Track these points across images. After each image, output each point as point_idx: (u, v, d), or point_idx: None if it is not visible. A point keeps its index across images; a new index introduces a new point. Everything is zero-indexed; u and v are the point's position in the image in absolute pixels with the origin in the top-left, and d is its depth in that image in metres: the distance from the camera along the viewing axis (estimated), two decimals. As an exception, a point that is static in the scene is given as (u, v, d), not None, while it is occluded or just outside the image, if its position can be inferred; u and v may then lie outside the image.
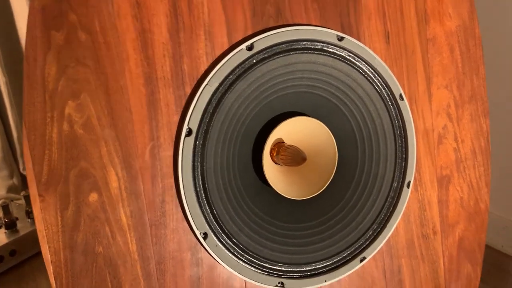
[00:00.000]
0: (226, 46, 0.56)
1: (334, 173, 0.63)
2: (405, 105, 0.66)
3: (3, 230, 1.30)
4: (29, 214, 1.36)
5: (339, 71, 0.62)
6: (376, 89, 0.64)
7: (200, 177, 0.55)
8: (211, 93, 0.55)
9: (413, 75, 0.68)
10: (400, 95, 0.65)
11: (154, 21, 0.52)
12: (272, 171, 0.63)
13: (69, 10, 0.49)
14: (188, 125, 0.54)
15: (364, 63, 0.63)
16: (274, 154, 0.64)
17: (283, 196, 0.61)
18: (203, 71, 0.55)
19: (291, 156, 0.63)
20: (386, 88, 0.65)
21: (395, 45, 0.66)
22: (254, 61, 0.57)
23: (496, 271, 1.19)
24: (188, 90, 0.55)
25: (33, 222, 1.33)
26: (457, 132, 0.71)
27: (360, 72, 0.63)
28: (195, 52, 0.55)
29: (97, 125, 0.51)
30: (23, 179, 1.69)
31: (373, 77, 0.64)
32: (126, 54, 0.51)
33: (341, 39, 0.61)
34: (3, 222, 1.30)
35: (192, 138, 0.54)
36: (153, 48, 0.52)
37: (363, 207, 0.66)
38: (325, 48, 0.61)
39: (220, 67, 0.55)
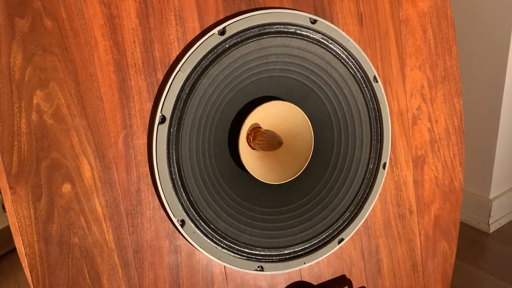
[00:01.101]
0: (198, 31, 0.55)
1: (311, 157, 0.64)
2: (379, 87, 0.66)
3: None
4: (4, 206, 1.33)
5: (313, 54, 0.62)
6: (350, 72, 0.64)
7: (175, 164, 0.55)
8: (183, 79, 0.54)
9: (387, 56, 0.68)
10: (374, 77, 0.66)
11: (122, 7, 0.51)
12: (249, 156, 0.63)
13: (32, -4, 0.47)
14: (161, 112, 0.53)
15: (337, 46, 0.63)
16: (251, 140, 0.64)
17: (261, 181, 0.61)
18: (175, 57, 0.54)
19: (267, 141, 0.63)
20: (360, 71, 0.65)
21: (368, 27, 0.66)
22: (227, 45, 0.56)
23: (472, 247, 1.22)
24: (160, 77, 0.54)
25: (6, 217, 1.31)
26: (431, 113, 0.72)
27: (334, 55, 0.63)
28: (166, 38, 0.54)
29: (67, 115, 0.50)
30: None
31: (347, 60, 0.64)
32: (95, 41, 0.50)
33: (314, 21, 0.61)
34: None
35: (166, 125, 0.54)
36: (123, 34, 0.51)
37: (340, 189, 0.67)
38: (298, 32, 0.60)
39: (192, 52, 0.54)
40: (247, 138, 0.64)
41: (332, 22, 0.63)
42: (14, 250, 1.32)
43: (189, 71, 0.54)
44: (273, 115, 0.63)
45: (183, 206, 0.56)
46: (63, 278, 0.51)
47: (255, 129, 0.64)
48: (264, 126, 0.64)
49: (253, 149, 0.65)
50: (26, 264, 0.49)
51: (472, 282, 1.07)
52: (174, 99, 0.54)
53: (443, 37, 0.72)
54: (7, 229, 1.28)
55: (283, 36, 0.59)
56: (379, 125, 0.67)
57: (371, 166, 0.68)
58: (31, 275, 0.50)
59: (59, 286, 0.51)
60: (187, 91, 0.54)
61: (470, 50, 1.21)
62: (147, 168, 0.54)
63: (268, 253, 0.62)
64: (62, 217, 0.50)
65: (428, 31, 0.70)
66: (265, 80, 0.62)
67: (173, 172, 0.55)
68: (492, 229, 1.26)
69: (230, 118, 0.62)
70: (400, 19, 0.68)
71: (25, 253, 0.49)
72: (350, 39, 0.63)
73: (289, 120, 0.64)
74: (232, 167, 0.63)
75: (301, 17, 0.60)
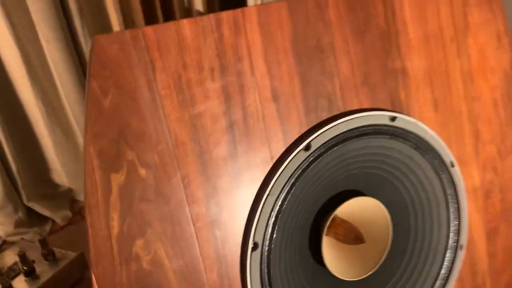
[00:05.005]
0: (282, 149, 0.53)
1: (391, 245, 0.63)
2: (456, 172, 0.65)
3: (22, 277, 1.27)
4: (46, 256, 1.33)
5: (391, 149, 0.60)
6: (427, 160, 0.63)
7: (267, 284, 0.54)
8: (272, 203, 0.52)
9: (460, 136, 0.66)
10: (451, 162, 0.64)
11: (211, 141, 0.49)
12: (329, 252, 0.62)
13: (126, 149, 0.45)
14: (254, 239, 0.52)
15: (414, 136, 0.61)
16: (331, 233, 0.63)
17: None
18: (262, 179, 0.53)
19: (345, 234, 0.62)
20: (437, 158, 0.63)
21: (443, 111, 0.64)
22: (311, 159, 0.54)
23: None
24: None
25: (50, 265, 1.30)
26: (502, 183, 0.71)
27: (411, 147, 0.61)
28: (253, 161, 0.52)
29: (165, 258, 0.48)
30: (28, 211, 1.64)
31: (423, 149, 0.62)
32: (188, 181, 0.48)
33: (393, 119, 0.59)
34: (22, 269, 1.27)
35: (258, 252, 0.52)
36: (212, 169, 0.49)
37: (419, 275, 0.66)
38: (378, 131, 0.58)
39: (280, 173, 0.52)
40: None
41: (408, 113, 0.61)
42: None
43: (277, 193, 0.53)
44: (352, 209, 0.62)
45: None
46: None
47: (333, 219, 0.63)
48: (341, 216, 0.63)
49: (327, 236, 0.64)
50: None
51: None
52: (265, 224, 0.52)
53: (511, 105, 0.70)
54: (50, 280, 1.28)
55: (363, 139, 0.58)
56: (457, 208, 0.66)
57: (449, 250, 0.67)
58: None
59: None
60: (275, 213, 0.53)
61: None
62: (241, 292, 0.54)
63: None
64: None
65: (499, 103, 0.68)
66: (342, 177, 0.61)
67: (266, 292, 0.54)
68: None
69: (310, 220, 0.60)
70: (472, 96, 0.66)
71: None
72: (428, 129, 0.61)
73: (366, 210, 0.63)
74: (314, 267, 0.62)
75: (381, 117, 0.58)
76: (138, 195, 0.46)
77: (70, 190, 1.79)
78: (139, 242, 0.47)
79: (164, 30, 0.45)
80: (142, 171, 0.46)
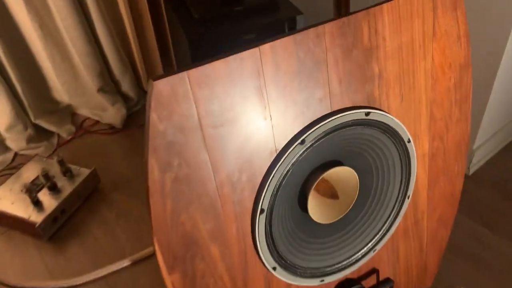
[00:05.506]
0: (284, 143, 0.72)
1: (357, 195, 0.85)
2: (411, 147, 0.85)
3: (46, 191, 1.48)
4: (65, 173, 1.53)
5: (364, 133, 0.79)
6: (390, 140, 0.83)
7: (271, 239, 0.77)
8: (275, 181, 0.72)
9: (418, 118, 0.85)
10: (408, 139, 0.84)
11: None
12: (311, 203, 0.84)
13: (175, 157, 0.63)
14: (261, 206, 0.73)
15: (383, 124, 0.80)
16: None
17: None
18: (268, 166, 0.72)
19: (325, 192, 0.85)
20: (398, 137, 0.83)
21: (406, 101, 0.82)
22: (305, 149, 0.73)
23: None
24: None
25: (69, 180, 1.51)
26: (446, 148, 0.92)
27: (379, 131, 0.80)
28: (262, 153, 0.70)
29: (200, 223, 0.69)
30: (36, 128, 1.80)
31: (389, 132, 0.81)
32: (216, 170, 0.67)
33: (367, 114, 0.77)
34: (45, 185, 1.47)
35: (264, 215, 0.74)
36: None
37: (376, 217, 0.90)
38: (355, 123, 0.77)
39: (282, 162, 0.71)
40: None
41: (380, 107, 0.79)
42: (76, 210, 1.55)
43: (279, 176, 0.72)
44: (332, 173, 0.83)
45: (273, 257, 0.79)
46: (204, 317, 0.77)
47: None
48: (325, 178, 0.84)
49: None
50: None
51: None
52: (269, 195, 0.73)
53: (462, 87, 0.88)
54: (72, 193, 1.50)
55: (345, 130, 0.76)
56: (408, 171, 0.88)
57: (400, 198, 0.90)
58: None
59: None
60: (277, 188, 0.73)
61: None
62: (251, 240, 0.76)
63: (327, 269, 0.89)
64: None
65: (451, 89, 0.86)
66: (327, 154, 0.80)
67: (268, 239, 0.77)
68: (472, 171, 1.55)
69: (301, 183, 0.81)
70: (431, 87, 0.83)
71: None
72: (394, 118, 0.79)
73: (342, 175, 0.84)
74: (301, 216, 0.85)
75: (359, 114, 0.76)
76: (183, 185, 0.65)
77: (69, 106, 1.93)
78: (184, 214, 0.67)
79: (202, 72, 0.60)
80: (186, 170, 0.64)
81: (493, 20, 1.29)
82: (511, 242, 1.34)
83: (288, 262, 0.82)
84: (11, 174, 1.59)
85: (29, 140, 1.73)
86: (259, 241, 0.76)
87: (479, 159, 1.53)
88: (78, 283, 1.30)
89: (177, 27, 1.53)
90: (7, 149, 1.74)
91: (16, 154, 1.77)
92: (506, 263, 1.28)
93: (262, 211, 0.74)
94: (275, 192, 0.74)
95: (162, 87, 0.58)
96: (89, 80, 1.80)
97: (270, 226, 0.76)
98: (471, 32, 1.36)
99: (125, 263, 1.34)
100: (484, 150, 1.54)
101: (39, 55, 1.70)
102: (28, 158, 1.66)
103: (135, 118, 1.98)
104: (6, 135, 1.71)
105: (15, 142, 1.72)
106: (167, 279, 0.72)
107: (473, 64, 1.36)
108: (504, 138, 1.62)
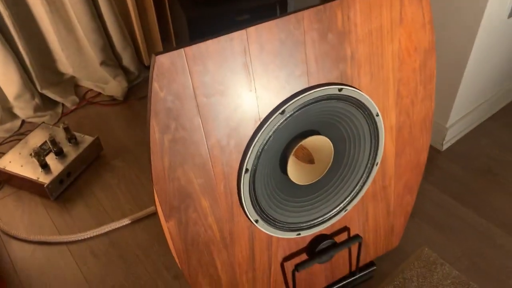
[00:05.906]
0: (267, 112, 0.84)
1: (332, 162, 0.98)
2: (379, 120, 0.97)
3: (53, 156, 1.60)
4: (70, 140, 1.65)
5: (337, 107, 0.92)
6: (361, 113, 0.95)
7: (254, 195, 0.90)
8: (259, 145, 0.85)
9: (386, 95, 0.97)
10: (377, 113, 0.96)
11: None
12: (291, 167, 0.97)
13: (172, 121, 0.75)
14: (246, 166, 0.85)
15: (354, 99, 0.92)
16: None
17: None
18: (253, 131, 0.84)
19: (303, 157, 0.97)
20: (368, 111, 0.95)
21: (375, 79, 0.94)
22: (285, 119, 0.85)
23: (426, 164, 1.64)
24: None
25: (73, 147, 1.63)
26: (411, 122, 1.05)
27: (351, 105, 0.92)
28: (247, 121, 0.83)
29: (193, 178, 0.82)
30: (42, 98, 1.91)
31: (359, 106, 0.93)
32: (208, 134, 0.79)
33: (340, 89, 0.89)
34: (52, 150, 1.60)
35: (248, 174, 0.87)
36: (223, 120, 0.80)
37: (348, 179, 1.03)
38: (330, 98, 0.89)
39: (264, 129, 0.83)
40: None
41: (352, 84, 0.91)
42: (81, 172, 1.68)
43: (262, 140, 0.85)
44: (310, 141, 0.96)
45: (256, 211, 0.93)
46: (194, 260, 0.90)
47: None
48: (303, 145, 0.97)
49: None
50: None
51: (419, 194, 1.51)
52: (253, 157, 0.85)
53: (426, 69, 1.00)
54: (77, 158, 1.62)
55: (320, 103, 0.88)
56: (377, 140, 1.00)
57: (369, 164, 1.03)
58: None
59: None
60: (260, 151, 0.86)
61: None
62: (236, 196, 0.89)
63: (304, 224, 1.02)
64: (192, 226, 0.87)
65: (417, 69, 0.98)
66: (305, 124, 0.93)
67: (252, 198, 0.90)
68: (445, 147, 1.68)
69: (281, 150, 0.94)
70: (398, 67, 0.95)
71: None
72: (364, 94, 0.92)
73: (318, 143, 0.97)
74: (281, 177, 0.98)
75: (333, 89, 0.88)
76: (179, 145, 0.77)
77: (73, 78, 2.03)
78: (179, 170, 0.80)
79: (197, 49, 0.71)
80: (182, 132, 0.77)
81: (466, 6, 1.39)
82: (477, 214, 1.47)
83: (269, 216, 0.95)
84: (19, 140, 1.71)
85: (36, 109, 1.85)
86: (243, 197, 0.89)
87: (451, 137, 1.66)
88: (82, 237, 1.44)
89: (177, 7, 1.63)
90: (15, 116, 1.86)
91: (23, 122, 1.88)
92: (470, 231, 1.42)
93: (246, 170, 0.86)
94: (258, 155, 0.86)
95: (163, 61, 0.70)
96: (92, 54, 1.90)
97: (254, 184, 0.89)
98: (445, 18, 1.48)
99: (125, 221, 1.48)
100: (457, 128, 1.66)
101: (46, 29, 1.80)
102: (34, 126, 1.78)
103: (135, 91, 2.09)
104: (14, 103, 1.83)
105: (23, 110, 1.83)
106: (165, 226, 0.86)
107: (446, 47, 1.49)
108: (476, 119, 1.74)
